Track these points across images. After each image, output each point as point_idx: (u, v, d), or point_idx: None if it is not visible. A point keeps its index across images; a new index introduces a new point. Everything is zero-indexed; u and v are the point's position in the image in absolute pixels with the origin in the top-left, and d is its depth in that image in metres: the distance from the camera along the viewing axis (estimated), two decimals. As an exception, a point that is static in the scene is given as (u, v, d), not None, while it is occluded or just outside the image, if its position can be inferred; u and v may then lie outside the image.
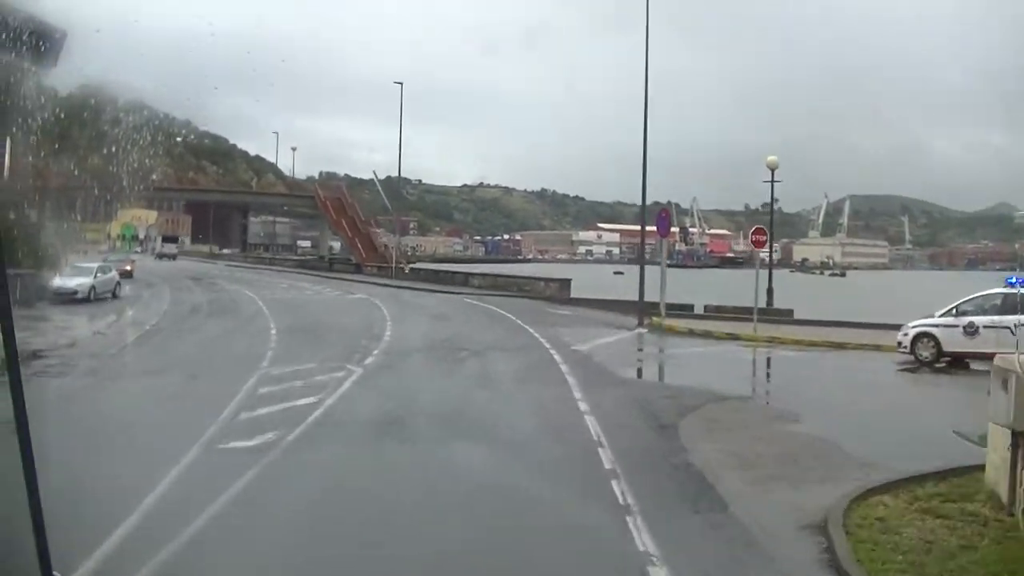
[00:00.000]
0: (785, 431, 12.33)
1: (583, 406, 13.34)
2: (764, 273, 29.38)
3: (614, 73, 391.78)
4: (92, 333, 22.54)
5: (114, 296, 33.56)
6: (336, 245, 71.30)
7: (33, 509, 2.19)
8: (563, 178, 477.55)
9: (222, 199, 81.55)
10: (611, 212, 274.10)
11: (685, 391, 15.44)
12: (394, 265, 52.96)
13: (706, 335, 25.71)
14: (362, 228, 64.05)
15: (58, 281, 32.70)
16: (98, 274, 33.11)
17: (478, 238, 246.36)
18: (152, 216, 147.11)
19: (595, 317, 32.35)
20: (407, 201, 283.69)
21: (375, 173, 77.39)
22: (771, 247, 39.89)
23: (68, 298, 31.16)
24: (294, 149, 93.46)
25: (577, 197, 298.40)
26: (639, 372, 19.73)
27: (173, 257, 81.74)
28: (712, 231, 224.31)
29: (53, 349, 18.34)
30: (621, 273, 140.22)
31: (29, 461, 2.16)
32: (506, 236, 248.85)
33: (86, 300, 31.22)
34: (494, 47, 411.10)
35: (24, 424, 2.14)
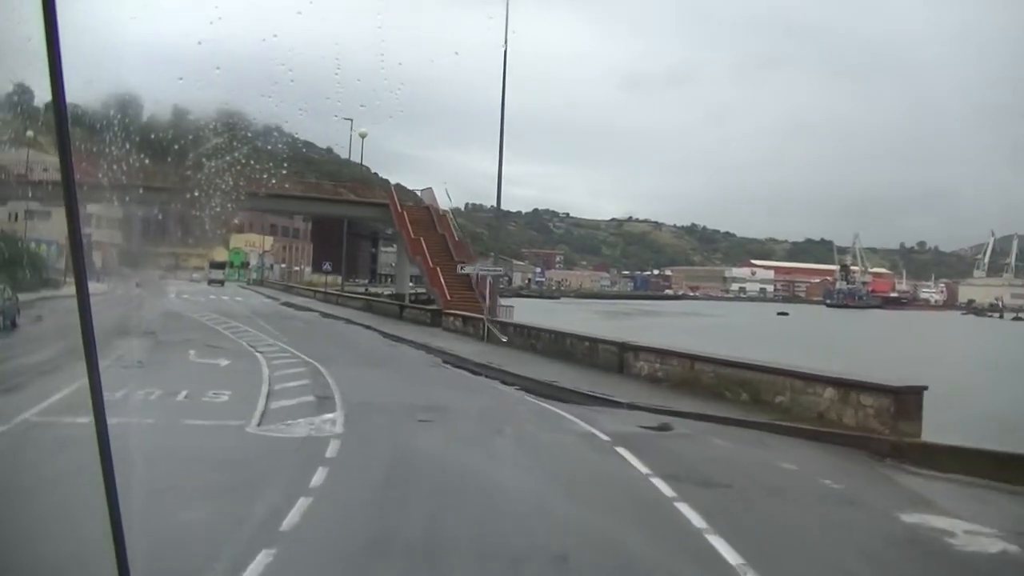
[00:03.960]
0: None
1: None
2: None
3: (763, 111, 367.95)
4: None
5: None
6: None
7: (112, 514, 2.21)
8: (713, 214, 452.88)
9: (283, 207, 58.42)
10: (762, 249, 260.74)
11: None
12: (485, 324, 27.55)
13: None
14: (457, 255, 39.48)
15: None
16: None
17: (626, 273, 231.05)
18: (267, 242, 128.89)
19: None
20: (553, 234, 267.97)
21: (447, 190, 51.80)
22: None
23: None
24: (361, 133, 62.43)
25: (728, 233, 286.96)
26: None
27: (221, 283, 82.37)
28: (872, 269, 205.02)
29: None
30: (786, 314, 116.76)
31: (108, 468, 2.20)
32: (655, 271, 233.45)
33: None
34: (643, 84, 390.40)
35: (104, 432, 2.21)
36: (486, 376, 20.93)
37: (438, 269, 37.02)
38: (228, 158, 28.25)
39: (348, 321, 36.84)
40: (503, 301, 36.10)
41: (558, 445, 12.17)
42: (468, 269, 31.61)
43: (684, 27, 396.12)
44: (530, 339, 26.12)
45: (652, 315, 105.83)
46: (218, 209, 31.91)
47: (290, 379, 16.98)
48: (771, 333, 76.10)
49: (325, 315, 41.07)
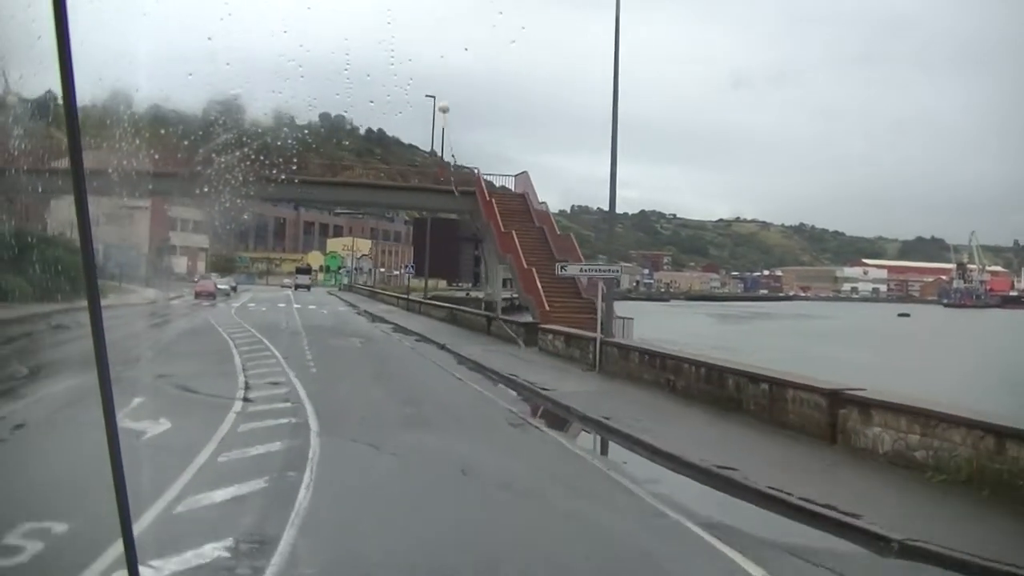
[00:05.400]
0: None
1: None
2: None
3: (870, 107, 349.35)
4: None
5: None
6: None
7: (120, 504, 2.15)
8: (821, 212, 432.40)
9: (347, 196, 49.76)
10: (871, 247, 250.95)
11: None
12: (597, 347, 18.98)
13: None
14: (558, 253, 31.06)
15: None
16: None
17: (736, 274, 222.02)
18: (365, 246, 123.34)
19: None
20: (660, 235, 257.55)
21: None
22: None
23: None
24: (443, 108, 49.35)
25: (836, 232, 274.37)
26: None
27: (308, 288, 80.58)
28: (989, 268, 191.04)
29: None
30: (907, 315, 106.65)
31: (117, 459, 2.12)
32: (765, 272, 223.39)
33: None
34: (751, 83, 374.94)
35: (113, 421, 2.13)
36: (600, 447, 12.48)
37: (534, 271, 28.40)
38: (238, 153, 27.79)
39: (420, 338, 28.85)
40: (618, 309, 27.41)
41: None
42: (571, 270, 22.97)
43: (791, 24, 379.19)
44: (664, 371, 17.34)
45: (769, 318, 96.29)
46: (227, 204, 30.51)
47: (233, 478, 8.77)
48: (920, 340, 65.60)
49: (396, 328, 33.34)
